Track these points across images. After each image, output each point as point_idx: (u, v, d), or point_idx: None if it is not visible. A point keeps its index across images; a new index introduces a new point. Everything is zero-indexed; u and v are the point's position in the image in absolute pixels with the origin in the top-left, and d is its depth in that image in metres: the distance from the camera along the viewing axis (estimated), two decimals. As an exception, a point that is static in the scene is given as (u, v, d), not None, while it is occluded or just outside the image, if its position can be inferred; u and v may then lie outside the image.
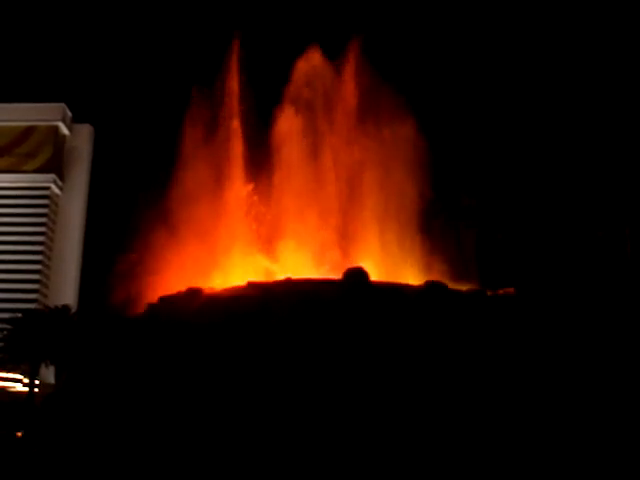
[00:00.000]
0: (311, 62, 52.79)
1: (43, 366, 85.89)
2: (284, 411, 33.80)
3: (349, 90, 52.46)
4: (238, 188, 51.63)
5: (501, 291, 43.08)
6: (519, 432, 32.86)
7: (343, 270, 40.51)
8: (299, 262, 47.30)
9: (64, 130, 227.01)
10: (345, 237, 49.27)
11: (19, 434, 63.95)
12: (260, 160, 51.28)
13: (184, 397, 35.61)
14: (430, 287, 39.10)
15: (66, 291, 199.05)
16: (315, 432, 32.90)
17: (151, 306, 42.54)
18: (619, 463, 31.29)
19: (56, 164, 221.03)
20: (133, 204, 56.28)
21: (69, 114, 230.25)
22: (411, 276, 45.77)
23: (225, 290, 40.68)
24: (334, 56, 52.71)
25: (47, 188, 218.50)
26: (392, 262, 48.41)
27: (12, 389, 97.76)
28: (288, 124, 51.35)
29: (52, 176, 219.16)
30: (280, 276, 40.89)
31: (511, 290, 42.96)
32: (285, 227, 49.72)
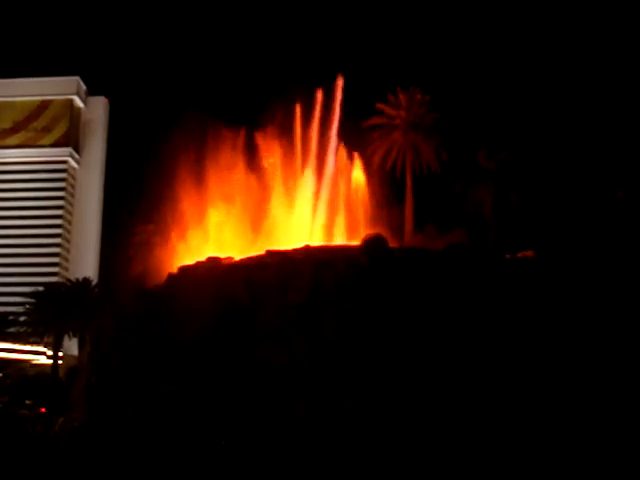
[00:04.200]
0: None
1: (66, 338, 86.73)
2: (302, 384, 34.01)
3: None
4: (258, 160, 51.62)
5: (520, 254, 42.92)
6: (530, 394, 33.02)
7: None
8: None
9: (79, 103, 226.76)
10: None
11: (43, 410, 64.73)
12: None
13: (205, 370, 35.87)
14: (449, 250, 38.95)
15: (87, 264, 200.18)
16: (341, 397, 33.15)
17: (170, 276, 42.69)
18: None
19: (72, 138, 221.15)
20: (150, 175, 56.26)
21: (84, 87, 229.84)
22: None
23: (244, 259, 40.72)
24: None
25: (64, 162, 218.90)
26: None
27: (36, 361, 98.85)
28: None
29: (69, 150, 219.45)
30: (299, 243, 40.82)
31: (530, 253, 42.77)
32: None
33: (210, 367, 35.95)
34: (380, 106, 67.13)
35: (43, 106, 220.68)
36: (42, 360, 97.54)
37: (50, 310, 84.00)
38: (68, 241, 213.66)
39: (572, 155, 74.39)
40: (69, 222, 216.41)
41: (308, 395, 33.85)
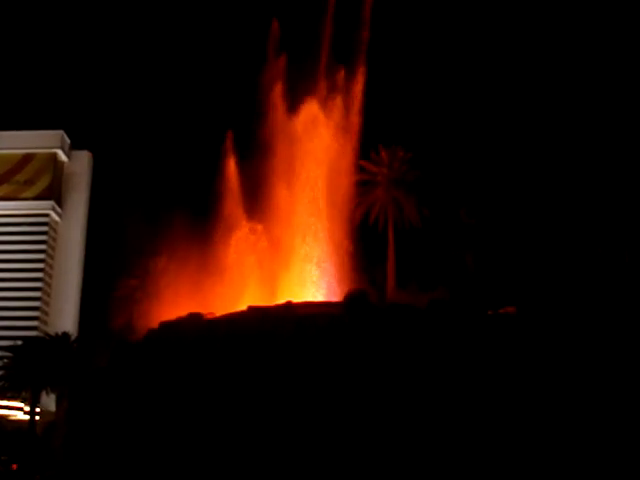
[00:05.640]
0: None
1: (44, 394, 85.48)
2: (287, 437, 33.67)
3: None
4: (239, 220, 51.67)
5: (502, 310, 42.98)
6: (517, 444, 32.87)
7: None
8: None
9: (63, 157, 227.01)
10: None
11: (14, 466, 63.58)
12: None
13: (185, 423, 35.46)
14: (432, 306, 38.94)
15: (66, 317, 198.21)
16: (318, 455, 32.79)
17: (151, 331, 42.39)
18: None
19: (55, 191, 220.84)
20: (132, 230, 56.29)
21: (67, 141, 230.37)
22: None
23: (226, 315, 40.53)
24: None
25: (46, 215, 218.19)
26: None
27: (13, 417, 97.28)
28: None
29: (51, 203, 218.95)
30: (280, 300, 40.73)
31: (512, 309, 42.86)
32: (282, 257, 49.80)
33: (190, 423, 35.54)
34: (362, 163, 67.71)
35: (27, 159, 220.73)
36: (19, 416, 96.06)
37: (28, 365, 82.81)
38: (48, 295, 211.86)
39: (551, 212, 75.02)
40: (50, 276, 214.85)
41: (290, 449, 33.52)
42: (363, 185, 67.63)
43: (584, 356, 36.39)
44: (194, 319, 40.41)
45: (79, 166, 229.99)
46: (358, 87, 53.09)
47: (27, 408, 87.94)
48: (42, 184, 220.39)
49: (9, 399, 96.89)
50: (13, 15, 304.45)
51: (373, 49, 54.69)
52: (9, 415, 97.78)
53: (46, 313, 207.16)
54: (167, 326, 41.40)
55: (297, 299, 42.33)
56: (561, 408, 34.41)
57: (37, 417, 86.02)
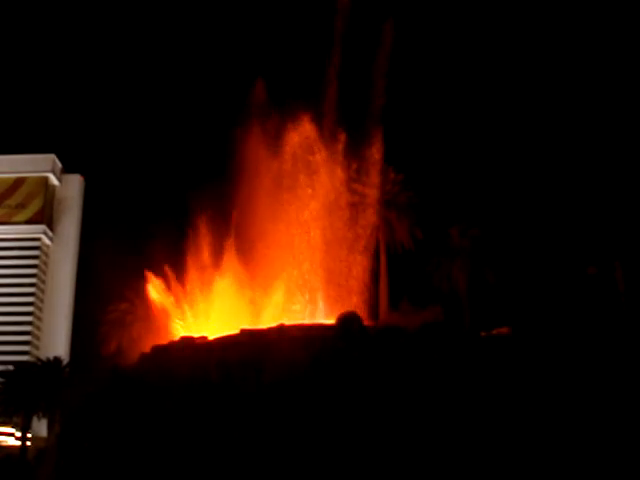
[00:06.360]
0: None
1: (35, 419, 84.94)
2: (280, 462, 33.48)
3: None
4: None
5: (495, 331, 42.97)
6: (509, 467, 32.78)
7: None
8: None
9: (54, 181, 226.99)
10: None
11: None
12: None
13: (179, 449, 35.23)
14: (425, 328, 38.90)
15: (58, 342, 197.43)
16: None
17: (143, 356, 42.20)
18: None
19: (47, 215, 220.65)
20: (123, 253, 56.22)
21: (59, 165, 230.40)
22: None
23: (218, 339, 40.40)
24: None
25: (38, 239, 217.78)
26: None
27: (4, 443, 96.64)
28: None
29: (42, 227, 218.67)
30: (273, 323, 40.61)
31: (505, 330, 42.84)
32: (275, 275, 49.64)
33: (183, 449, 35.31)
34: (354, 185, 67.68)
35: (18, 183, 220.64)
36: (10, 442, 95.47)
37: (20, 390, 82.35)
38: (40, 319, 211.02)
39: (544, 230, 75.34)
40: (41, 300, 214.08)
41: (285, 474, 33.34)
42: (355, 206, 67.56)
43: (579, 377, 36.38)
44: (186, 343, 40.29)
45: (71, 190, 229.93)
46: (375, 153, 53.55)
47: (18, 434, 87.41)
48: (33, 208, 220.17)
49: (0, 425, 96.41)
50: (2, 38, 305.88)
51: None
52: (0, 441, 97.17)
53: (37, 337, 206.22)
54: (159, 350, 41.26)
55: (289, 322, 42.31)
56: (557, 428, 34.35)
57: (28, 443, 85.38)
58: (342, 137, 52.04)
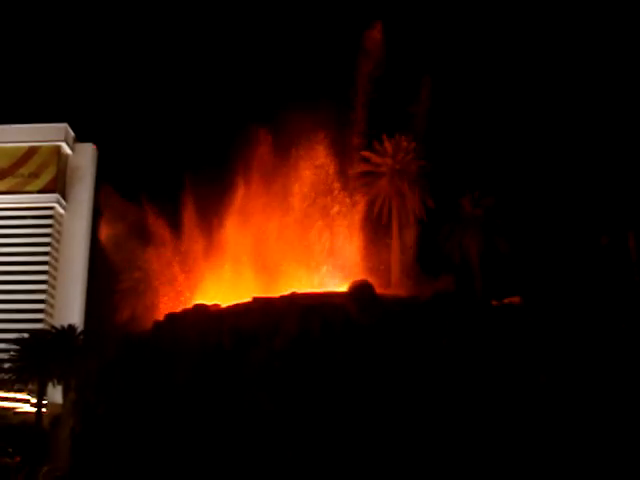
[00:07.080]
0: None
1: (50, 386, 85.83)
2: (290, 429, 33.77)
3: None
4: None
5: (506, 300, 42.99)
6: (520, 438, 32.94)
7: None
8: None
9: (67, 150, 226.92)
10: None
11: (17, 459, 63.76)
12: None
13: (193, 415, 35.56)
14: (437, 298, 38.95)
15: (72, 310, 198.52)
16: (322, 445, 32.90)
17: (157, 323, 42.49)
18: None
19: (60, 184, 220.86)
20: (135, 222, 56.37)
21: (72, 134, 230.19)
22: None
23: (231, 306, 40.59)
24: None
25: (51, 208, 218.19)
26: None
27: (20, 409, 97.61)
28: None
29: (56, 196, 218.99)
30: (285, 291, 40.72)
31: (516, 299, 42.85)
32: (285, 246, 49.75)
33: (196, 415, 35.65)
34: (366, 154, 67.43)
35: (31, 152, 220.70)
36: (26, 408, 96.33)
37: (34, 357, 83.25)
38: (54, 287, 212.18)
39: (556, 200, 74.99)
40: (55, 268, 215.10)
41: (295, 442, 33.60)
42: (367, 176, 67.43)
43: (590, 347, 36.44)
44: (199, 310, 40.51)
45: (83, 159, 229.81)
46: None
47: (34, 400, 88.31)
48: (46, 177, 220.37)
49: (16, 391, 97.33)
50: (16, 9, 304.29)
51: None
52: (16, 407, 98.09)
53: (52, 306, 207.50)
54: (173, 317, 41.53)
55: (301, 290, 42.45)
56: (567, 399, 34.45)
57: (44, 409, 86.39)
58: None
